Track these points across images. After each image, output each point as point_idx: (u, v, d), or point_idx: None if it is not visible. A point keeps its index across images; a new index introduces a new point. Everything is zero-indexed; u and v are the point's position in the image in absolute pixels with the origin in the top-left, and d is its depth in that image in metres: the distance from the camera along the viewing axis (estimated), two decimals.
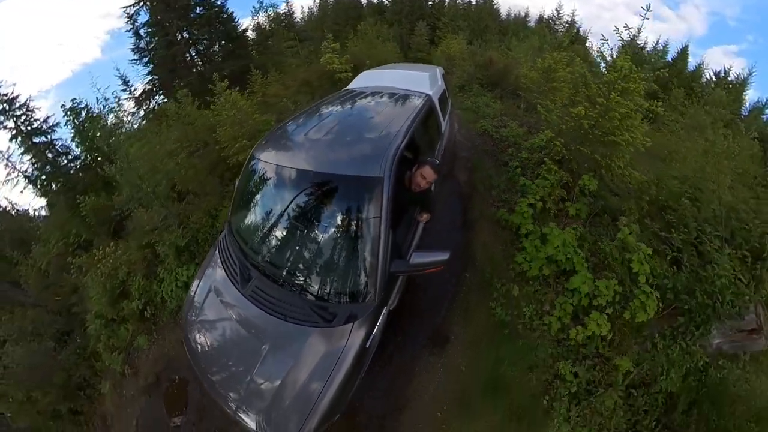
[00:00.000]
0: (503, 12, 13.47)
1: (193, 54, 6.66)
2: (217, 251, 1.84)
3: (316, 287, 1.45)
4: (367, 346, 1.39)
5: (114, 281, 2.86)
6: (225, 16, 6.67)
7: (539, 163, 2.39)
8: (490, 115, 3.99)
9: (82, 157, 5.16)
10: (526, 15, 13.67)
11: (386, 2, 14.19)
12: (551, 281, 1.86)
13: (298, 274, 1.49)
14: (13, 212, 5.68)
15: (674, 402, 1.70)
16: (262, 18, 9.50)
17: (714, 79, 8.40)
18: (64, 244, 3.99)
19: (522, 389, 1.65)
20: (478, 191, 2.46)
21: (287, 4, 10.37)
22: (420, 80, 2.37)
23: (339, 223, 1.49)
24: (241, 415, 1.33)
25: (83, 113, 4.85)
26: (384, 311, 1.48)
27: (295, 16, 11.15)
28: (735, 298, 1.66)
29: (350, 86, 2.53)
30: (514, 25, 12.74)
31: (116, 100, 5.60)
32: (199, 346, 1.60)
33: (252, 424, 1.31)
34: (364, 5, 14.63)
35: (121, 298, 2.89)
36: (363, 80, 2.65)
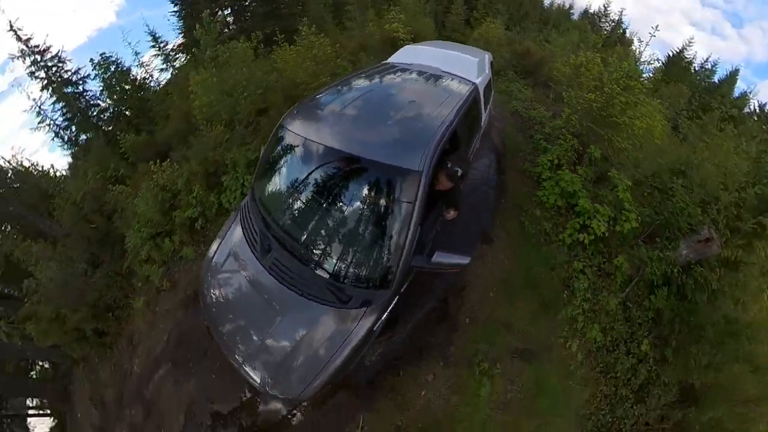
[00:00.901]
0: (546, 0, 14.59)
1: (228, 12, 7.80)
2: (239, 216, 2.15)
3: (336, 268, 1.74)
4: (374, 329, 1.76)
5: (166, 194, 3.78)
6: None
7: (558, 137, 3.56)
8: (521, 99, 5.20)
9: (111, 109, 6.32)
10: (570, 7, 14.87)
11: None
12: (563, 211, 3.04)
13: (319, 253, 1.79)
14: (35, 172, 6.69)
15: (661, 316, 2.83)
16: None
17: (757, 110, 9.09)
18: (102, 178, 5.02)
19: (548, 285, 2.81)
20: (508, 151, 3.64)
21: None
22: (468, 66, 2.58)
23: (368, 209, 1.71)
24: (247, 369, 1.75)
25: (112, 67, 6.02)
26: (395, 300, 1.82)
27: None
28: (690, 218, 2.88)
29: (391, 60, 2.81)
30: (556, 16, 13.85)
31: (160, 47, 6.82)
32: (214, 304, 2.00)
33: (257, 378, 1.73)
34: None
35: (172, 210, 3.80)
36: (406, 55, 2.85)
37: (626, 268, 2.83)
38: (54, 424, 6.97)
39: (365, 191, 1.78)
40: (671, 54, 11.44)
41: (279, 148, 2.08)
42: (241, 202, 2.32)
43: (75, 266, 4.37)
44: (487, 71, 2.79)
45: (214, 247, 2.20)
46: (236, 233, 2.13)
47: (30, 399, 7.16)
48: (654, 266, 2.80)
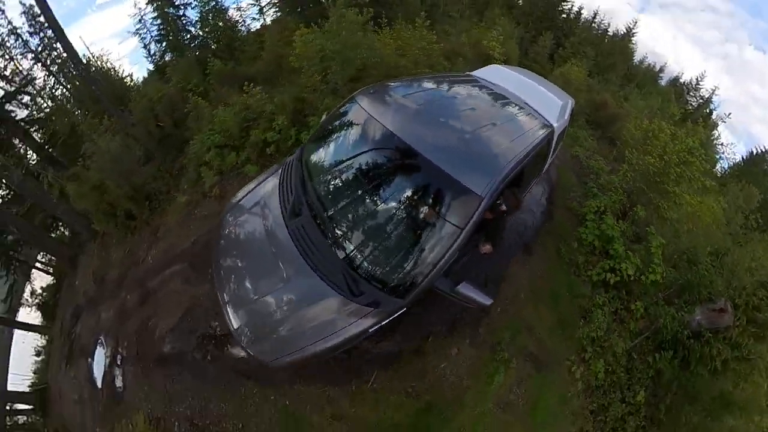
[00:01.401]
0: (638, 56, 15.16)
1: None
2: (280, 170, 2.35)
3: (358, 257, 1.86)
4: (369, 331, 1.93)
5: (249, 113, 4.56)
6: None
7: (610, 189, 4.24)
8: (584, 147, 5.92)
9: (201, 39, 7.60)
10: (661, 70, 15.45)
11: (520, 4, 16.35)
12: (597, 251, 3.78)
13: (347, 236, 1.91)
14: (114, 75, 8.11)
15: (661, 376, 3.40)
16: None
17: None
18: (181, 89, 6.11)
19: (568, 308, 3.53)
20: (560, 188, 4.36)
21: None
22: (552, 107, 2.77)
23: (411, 212, 1.85)
24: (230, 310, 1.98)
25: (212, 3, 7.30)
26: (401, 310, 1.97)
27: None
28: (711, 287, 3.50)
29: (477, 74, 3.08)
30: (643, 76, 14.40)
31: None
32: (225, 238, 2.23)
33: (235, 324, 1.95)
34: None
35: (248, 129, 4.53)
36: (492, 74, 3.09)
37: (641, 315, 3.46)
38: (51, 283, 8.36)
39: (414, 192, 1.91)
40: (755, 151, 11.68)
41: (342, 119, 2.29)
42: (287, 158, 2.56)
43: (132, 151, 5.31)
44: (566, 117, 2.96)
45: (246, 189, 2.49)
46: (270, 185, 2.37)
47: (42, 254, 8.51)
48: (667, 323, 3.42)
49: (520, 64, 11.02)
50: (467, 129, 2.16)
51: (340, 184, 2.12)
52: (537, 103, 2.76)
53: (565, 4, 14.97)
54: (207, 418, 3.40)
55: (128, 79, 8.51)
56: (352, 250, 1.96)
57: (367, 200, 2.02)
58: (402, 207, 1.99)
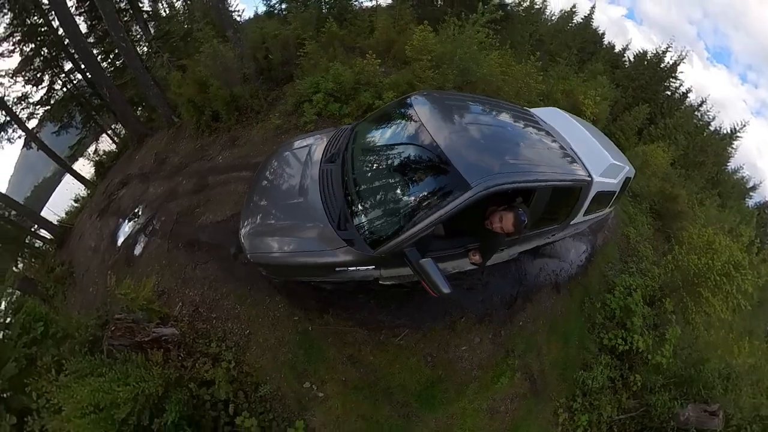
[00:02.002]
0: (733, 163, 14.33)
1: None
2: (335, 132, 3.33)
3: (356, 204, 2.64)
4: (337, 270, 2.65)
5: (362, 77, 5.45)
6: None
7: (648, 275, 4.64)
8: (638, 231, 6.28)
9: (319, 2, 8.47)
10: (753, 188, 14.52)
11: (627, 59, 16.34)
12: (616, 320, 4.34)
13: (356, 187, 2.69)
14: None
15: None
16: None
17: None
18: (296, 36, 6.94)
19: (574, 354, 4.11)
20: (602, 254, 4.80)
21: None
22: (599, 161, 2.91)
23: (414, 191, 2.51)
24: (247, 207, 3.04)
25: None
26: (372, 269, 2.64)
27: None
28: (711, 391, 3.92)
29: (534, 111, 3.46)
30: (731, 187, 13.88)
31: None
32: (267, 171, 3.27)
33: (244, 218, 2.98)
34: (605, 45, 16.83)
35: (358, 88, 5.47)
36: (548, 114, 3.45)
37: (636, 390, 3.95)
38: (114, 150, 9.83)
39: (416, 166, 2.58)
40: None
41: (396, 109, 3.05)
42: (343, 126, 3.54)
43: (239, 67, 6.17)
44: (615, 181, 3.09)
45: (303, 137, 3.55)
46: (323, 142, 3.29)
47: (117, 124, 10.01)
48: (658, 408, 3.87)
49: (604, 130, 11.22)
50: (490, 135, 2.66)
51: (370, 153, 2.96)
52: (583, 152, 2.93)
53: (673, 81, 14.76)
54: (215, 311, 3.67)
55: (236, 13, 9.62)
56: (354, 197, 2.70)
57: (382, 169, 2.82)
58: (401, 180, 2.66)
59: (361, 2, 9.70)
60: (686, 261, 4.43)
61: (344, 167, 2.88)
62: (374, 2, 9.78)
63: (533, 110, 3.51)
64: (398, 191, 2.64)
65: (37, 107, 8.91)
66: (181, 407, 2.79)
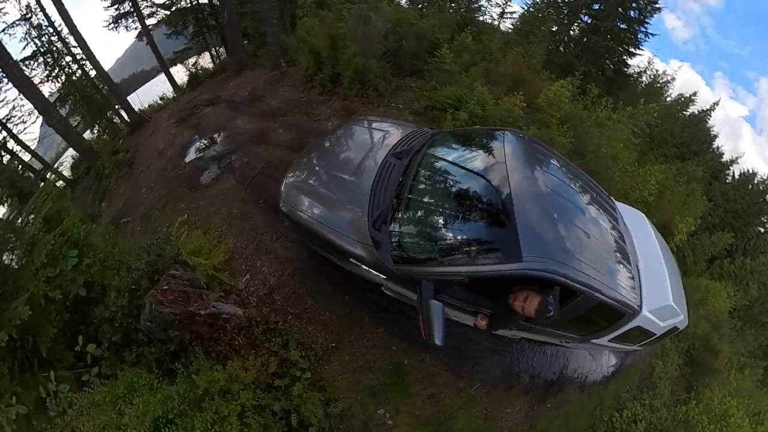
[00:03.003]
0: None
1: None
2: (415, 129, 3.51)
3: (400, 211, 2.71)
4: (350, 259, 2.83)
5: (505, 113, 5.84)
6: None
7: (655, 413, 5.01)
8: (665, 366, 6.52)
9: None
10: None
11: (731, 174, 15.24)
12: None
13: (410, 195, 2.76)
14: None
15: None
16: None
17: None
18: (432, 32, 7.62)
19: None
20: (625, 374, 5.45)
21: None
22: (658, 296, 2.81)
23: (460, 225, 2.58)
24: (284, 185, 3.23)
25: None
26: (382, 277, 2.76)
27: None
28: None
29: (620, 206, 3.46)
30: None
31: None
32: (339, 135, 3.59)
33: (290, 173, 3.30)
34: (713, 148, 15.72)
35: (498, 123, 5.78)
36: (632, 217, 3.44)
37: None
38: (211, 69, 11.02)
39: (477, 216, 2.67)
40: None
41: (484, 137, 3.18)
42: (427, 131, 3.67)
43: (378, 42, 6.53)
44: (661, 324, 2.93)
45: (384, 121, 3.87)
46: (400, 133, 3.49)
47: (221, 46, 11.40)
48: None
49: (677, 247, 10.96)
50: (567, 212, 2.63)
51: (438, 167, 3.02)
52: (647, 276, 2.84)
53: None
54: (294, 306, 3.58)
55: None
56: (403, 203, 2.77)
57: (442, 189, 2.89)
58: (455, 210, 2.69)
59: (487, 16, 10.44)
60: (696, 420, 4.77)
61: (408, 168, 2.94)
62: (498, 22, 10.32)
63: (619, 204, 3.48)
64: (446, 220, 2.68)
65: (159, 9, 10.42)
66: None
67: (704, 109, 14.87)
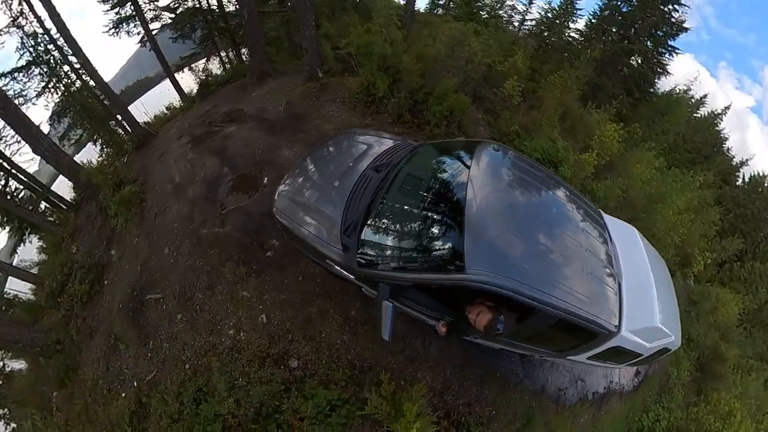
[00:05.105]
0: None
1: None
2: (399, 143, 4.11)
3: (371, 219, 3.24)
4: (327, 261, 3.50)
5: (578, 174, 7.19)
6: None
7: (671, 413, 6.78)
8: (678, 373, 8.38)
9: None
10: None
11: (741, 176, 16.84)
12: None
13: (381, 206, 3.27)
14: None
15: None
16: None
17: None
18: (484, 54, 8.73)
19: None
20: (647, 382, 7.04)
21: None
22: (642, 314, 3.05)
23: (418, 235, 3.08)
24: (292, 172, 4.22)
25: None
26: (353, 278, 3.38)
27: None
28: None
29: (609, 219, 3.75)
30: None
31: None
32: (329, 146, 4.35)
33: (283, 183, 4.10)
34: (723, 150, 17.25)
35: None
36: (622, 231, 3.72)
37: None
38: (222, 76, 10.90)
39: (435, 227, 3.13)
40: None
41: (462, 148, 3.62)
42: (409, 141, 4.38)
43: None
44: (646, 345, 3.11)
45: (374, 134, 4.50)
46: (385, 146, 4.15)
47: (232, 50, 12.21)
48: None
49: (694, 276, 11.38)
50: (531, 227, 2.94)
51: (410, 181, 3.48)
52: (631, 295, 3.03)
53: None
54: (451, 386, 4.48)
55: None
56: (373, 213, 3.31)
57: (410, 200, 3.36)
58: (417, 220, 3.17)
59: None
60: (704, 419, 6.51)
61: (383, 182, 3.49)
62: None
63: (608, 218, 3.73)
64: (407, 229, 3.18)
65: (163, 12, 10.93)
66: None
67: (715, 111, 16.82)
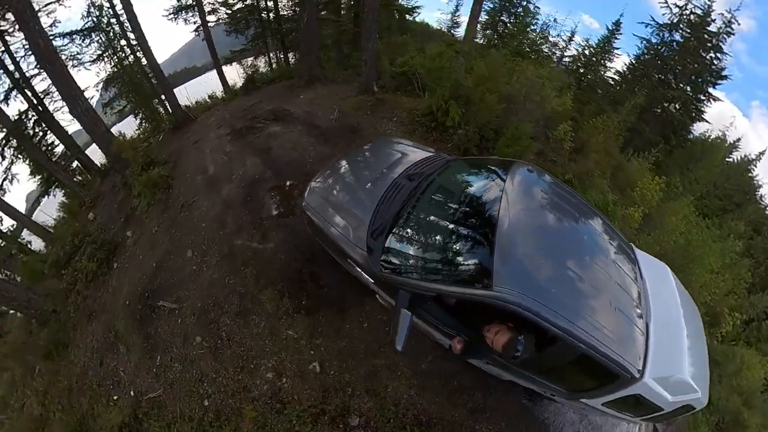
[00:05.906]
0: None
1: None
2: (433, 155, 4.31)
3: (398, 227, 3.31)
4: (348, 261, 3.61)
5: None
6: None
7: None
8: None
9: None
10: None
11: None
12: None
13: (409, 214, 3.37)
14: None
15: None
16: None
17: None
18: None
19: None
20: None
21: None
22: (669, 362, 2.77)
23: (446, 246, 3.07)
24: (318, 178, 4.32)
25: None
26: (372, 282, 3.48)
27: None
28: None
29: (640, 254, 3.63)
30: None
31: None
32: (366, 150, 4.63)
33: (319, 176, 4.37)
34: (756, 198, 16.21)
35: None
36: (653, 268, 3.53)
37: None
38: (269, 74, 11.82)
39: (463, 240, 3.09)
40: None
41: (496, 166, 3.70)
42: (443, 155, 4.50)
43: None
44: (669, 399, 2.78)
45: (410, 144, 4.73)
46: (420, 155, 4.33)
47: (281, 51, 13.02)
48: None
49: (721, 336, 10.73)
50: (562, 249, 2.90)
51: (442, 193, 3.59)
52: (659, 339, 2.82)
53: None
54: None
55: None
56: (401, 220, 3.40)
57: (439, 211, 3.46)
58: (446, 232, 3.19)
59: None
60: None
61: (414, 191, 3.62)
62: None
63: (639, 252, 3.64)
64: (435, 240, 3.20)
65: (221, 7, 11.76)
66: None
67: (749, 157, 16.03)
